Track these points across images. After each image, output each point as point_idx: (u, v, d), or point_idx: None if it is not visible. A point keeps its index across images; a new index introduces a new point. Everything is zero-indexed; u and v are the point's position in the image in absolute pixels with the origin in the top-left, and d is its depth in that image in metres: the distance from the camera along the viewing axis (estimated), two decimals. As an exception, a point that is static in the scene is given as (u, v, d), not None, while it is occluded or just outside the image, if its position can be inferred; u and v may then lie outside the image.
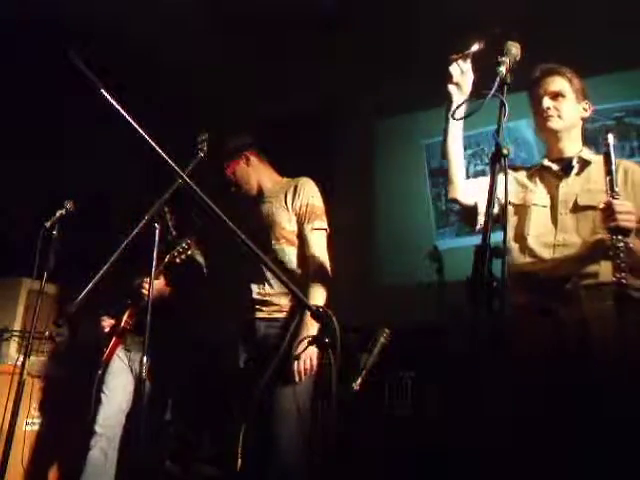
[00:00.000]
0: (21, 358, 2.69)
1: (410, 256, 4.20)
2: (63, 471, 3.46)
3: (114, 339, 3.04)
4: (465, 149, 2.11)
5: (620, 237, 1.67)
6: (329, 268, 2.35)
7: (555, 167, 2.01)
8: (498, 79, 1.54)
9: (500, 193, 2.06)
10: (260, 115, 4.31)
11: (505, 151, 1.49)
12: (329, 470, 1.93)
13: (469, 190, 2.03)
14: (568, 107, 1.98)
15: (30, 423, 3.47)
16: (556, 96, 1.98)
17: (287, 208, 2.43)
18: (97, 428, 2.89)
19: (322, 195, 2.50)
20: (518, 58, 1.61)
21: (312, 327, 2.11)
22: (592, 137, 3.95)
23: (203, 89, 4.48)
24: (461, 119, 1.80)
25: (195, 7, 3.87)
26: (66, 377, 3.60)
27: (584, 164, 1.98)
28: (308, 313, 1.94)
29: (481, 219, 2.03)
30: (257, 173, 2.60)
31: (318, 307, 1.45)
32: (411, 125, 4.82)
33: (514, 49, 1.61)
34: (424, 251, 3.75)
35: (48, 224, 2.91)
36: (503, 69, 1.56)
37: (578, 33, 3.71)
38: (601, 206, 1.74)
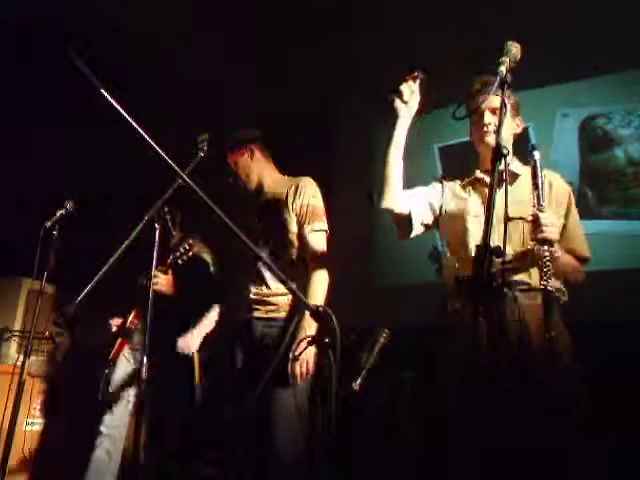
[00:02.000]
0: (21, 358, 2.69)
1: (410, 256, 4.19)
2: (66, 471, 3.45)
3: (120, 339, 3.03)
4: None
5: (546, 247, 1.82)
6: (328, 269, 2.35)
7: (488, 179, 2.04)
8: (498, 79, 1.55)
9: (436, 202, 2.11)
10: (260, 114, 4.30)
11: (505, 151, 1.49)
12: (329, 470, 1.93)
13: (403, 199, 2.08)
14: (505, 123, 2.04)
15: (30, 423, 3.47)
16: (495, 112, 2.01)
17: (287, 208, 2.40)
18: (103, 428, 2.88)
19: (322, 195, 2.48)
20: (518, 58, 1.62)
21: (311, 327, 2.11)
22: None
23: (203, 88, 4.48)
24: (461, 119, 1.82)
25: (195, 5, 3.87)
26: (68, 378, 3.59)
27: (514, 177, 2.08)
28: (307, 313, 1.94)
29: (417, 226, 2.12)
30: (259, 168, 2.57)
31: (318, 307, 1.44)
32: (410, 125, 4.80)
33: (514, 49, 1.62)
34: (424, 251, 3.75)
35: (48, 224, 2.90)
36: (503, 69, 1.56)
37: (578, 32, 3.71)
38: (529, 218, 1.88)
